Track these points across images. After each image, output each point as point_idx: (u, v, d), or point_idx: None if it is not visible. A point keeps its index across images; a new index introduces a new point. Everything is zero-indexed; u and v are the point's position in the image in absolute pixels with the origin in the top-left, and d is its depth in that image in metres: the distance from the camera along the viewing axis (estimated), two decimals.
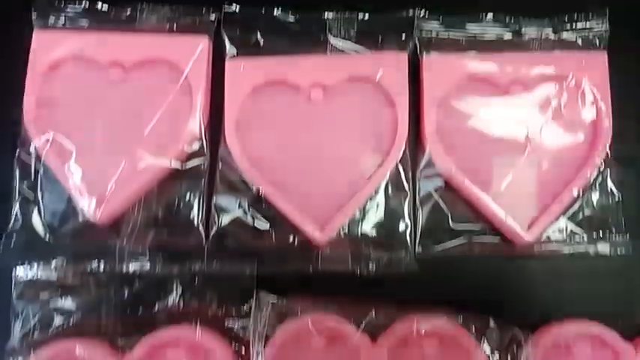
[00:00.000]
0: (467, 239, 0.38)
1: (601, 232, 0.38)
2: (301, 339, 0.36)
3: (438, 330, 0.35)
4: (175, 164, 0.38)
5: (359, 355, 0.35)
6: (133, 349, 0.36)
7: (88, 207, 0.37)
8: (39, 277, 0.37)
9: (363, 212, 0.38)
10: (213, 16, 0.39)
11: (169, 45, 0.39)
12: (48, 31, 0.39)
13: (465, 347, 0.35)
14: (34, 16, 0.39)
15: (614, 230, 0.38)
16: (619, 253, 0.38)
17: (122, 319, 0.37)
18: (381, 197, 0.38)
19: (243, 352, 0.36)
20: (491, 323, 0.36)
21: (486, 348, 0.35)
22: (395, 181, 0.38)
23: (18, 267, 0.37)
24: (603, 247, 0.38)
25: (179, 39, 0.39)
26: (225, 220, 0.38)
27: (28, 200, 0.38)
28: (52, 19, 0.39)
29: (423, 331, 0.35)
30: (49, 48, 0.38)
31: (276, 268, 0.37)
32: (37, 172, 0.38)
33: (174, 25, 0.39)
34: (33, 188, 0.38)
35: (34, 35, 0.39)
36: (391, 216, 0.38)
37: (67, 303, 0.37)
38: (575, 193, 0.38)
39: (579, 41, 0.40)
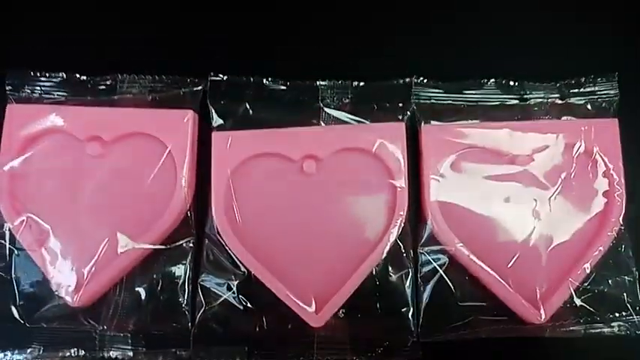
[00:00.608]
0: (474, 319, 0.35)
1: (616, 311, 0.35)
2: None
3: None
4: (159, 245, 0.35)
5: None
6: None
7: (65, 290, 0.35)
8: None
9: (362, 292, 0.35)
10: (199, 87, 0.37)
11: (151, 119, 0.36)
12: (22, 106, 0.37)
13: None
14: (7, 88, 0.37)
15: (630, 309, 0.35)
16: (637, 333, 0.35)
17: None
18: (380, 275, 0.36)
19: None
20: None
21: None
22: (395, 257, 0.36)
23: None
24: (619, 328, 0.35)
25: (161, 113, 0.36)
26: (212, 302, 0.35)
27: (2, 282, 0.36)
28: (27, 91, 0.37)
29: None
30: (24, 122, 0.36)
31: (268, 355, 0.35)
32: (11, 253, 0.36)
33: (157, 96, 0.37)
34: (7, 270, 0.36)
35: (7, 109, 0.36)
36: (391, 295, 0.36)
37: None
38: (587, 270, 0.35)
39: (588, 106, 0.37)
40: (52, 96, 0.37)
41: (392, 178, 0.36)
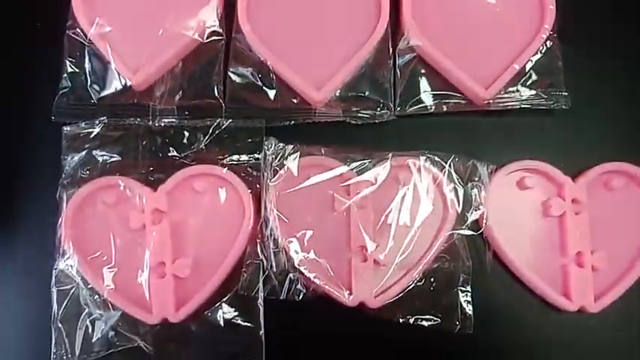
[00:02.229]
0: (437, 100, 0.46)
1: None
2: None
3: None
4: (197, 37, 0.46)
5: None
6: (165, 182, 0.44)
7: (127, 74, 0.45)
8: (85, 132, 0.45)
9: (354, 78, 0.46)
10: None
11: None
12: None
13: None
14: None
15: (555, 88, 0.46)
16: (562, 106, 0.46)
17: (156, 162, 0.45)
18: (367, 68, 0.47)
19: (254, 185, 0.44)
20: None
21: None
22: (380, 55, 0.47)
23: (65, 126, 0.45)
24: (547, 102, 0.46)
25: None
26: (239, 86, 0.46)
27: (76, 71, 0.46)
28: None
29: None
30: None
31: (280, 121, 0.46)
32: (83, 47, 0.46)
33: None
34: (80, 61, 0.46)
35: None
36: (376, 82, 0.46)
37: (108, 150, 0.45)
38: (524, 61, 0.46)
39: None
40: None
41: None
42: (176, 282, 0.43)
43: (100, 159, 0.45)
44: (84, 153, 0.45)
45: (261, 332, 0.42)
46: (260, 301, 0.42)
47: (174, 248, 0.43)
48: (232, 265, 0.43)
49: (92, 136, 0.45)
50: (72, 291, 0.42)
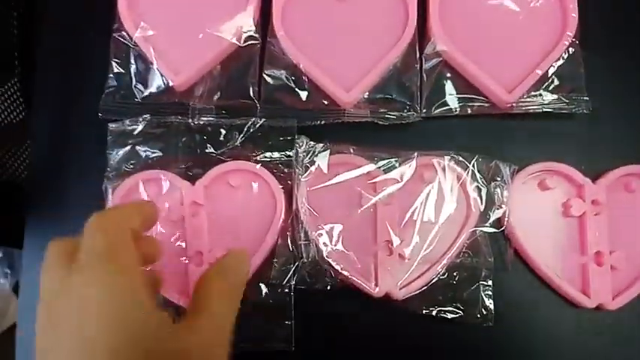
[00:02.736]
0: (462, 102, 0.49)
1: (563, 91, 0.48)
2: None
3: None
4: (235, 41, 0.49)
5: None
6: (203, 176, 0.47)
7: (169, 75, 0.48)
8: (129, 128, 0.48)
9: (382, 81, 0.49)
10: None
11: None
12: None
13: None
14: None
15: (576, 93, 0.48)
16: (583, 111, 0.48)
17: (194, 158, 0.48)
18: (395, 71, 0.49)
19: (286, 180, 0.47)
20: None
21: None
22: (407, 59, 0.49)
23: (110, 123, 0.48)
24: (568, 106, 0.48)
25: None
26: (273, 87, 0.49)
27: (122, 71, 0.49)
28: None
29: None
30: None
31: (312, 121, 0.48)
32: (128, 49, 0.50)
33: None
34: (125, 63, 0.49)
35: None
36: (403, 84, 0.49)
37: (150, 146, 0.48)
38: (547, 67, 0.48)
39: None
40: None
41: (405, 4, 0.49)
42: None
43: (143, 154, 0.47)
44: (128, 148, 0.48)
45: (291, 321, 0.45)
46: (289, 290, 0.45)
47: (210, 239, 0.46)
48: (264, 257, 0.45)
49: (136, 132, 0.48)
50: None
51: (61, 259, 0.30)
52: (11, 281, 0.97)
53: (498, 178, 0.46)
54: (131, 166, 0.47)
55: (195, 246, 0.45)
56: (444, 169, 0.46)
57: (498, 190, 0.46)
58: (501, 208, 0.45)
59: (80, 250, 0.30)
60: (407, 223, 0.45)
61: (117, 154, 0.47)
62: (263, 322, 0.44)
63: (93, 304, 0.28)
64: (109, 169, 0.47)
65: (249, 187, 0.47)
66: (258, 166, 0.46)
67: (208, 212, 0.46)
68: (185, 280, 0.45)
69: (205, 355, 0.30)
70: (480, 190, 0.46)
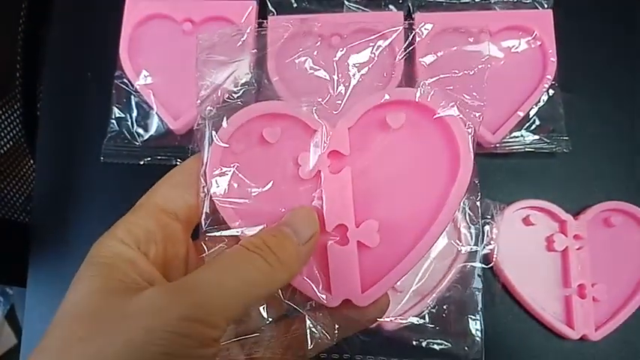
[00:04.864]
0: None
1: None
2: None
3: None
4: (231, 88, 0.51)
5: None
6: None
7: (169, 120, 0.51)
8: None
9: None
10: None
11: (228, 7, 0.53)
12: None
13: None
14: None
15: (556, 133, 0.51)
16: (563, 150, 0.50)
17: None
18: None
19: None
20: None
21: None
22: None
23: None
24: (549, 145, 0.50)
25: (235, 3, 0.53)
26: None
27: (122, 119, 0.52)
28: None
29: None
30: (138, 9, 0.53)
31: None
32: (129, 95, 0.52)
33: None
34: (126, 108, 0.52)
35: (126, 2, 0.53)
36: None
37: None
38: (528, 109, 0.51)
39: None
40: None
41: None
42: (362, 251, 0.33)
43: None
44: None
45: None
46: None
47: (356, 208, 0.33)
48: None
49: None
50: None
51: None
52: (3, 309, 0.97)
53: (488, 216, 0.48)
54: None
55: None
56: None
57: (487, 227, 0.48)
58: (490, 244, 0.48)
59: None
60: None
61: None
62: None
63: None
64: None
65: None
66: None
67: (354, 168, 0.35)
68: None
69: None
70: (469, 227, 0.48)
